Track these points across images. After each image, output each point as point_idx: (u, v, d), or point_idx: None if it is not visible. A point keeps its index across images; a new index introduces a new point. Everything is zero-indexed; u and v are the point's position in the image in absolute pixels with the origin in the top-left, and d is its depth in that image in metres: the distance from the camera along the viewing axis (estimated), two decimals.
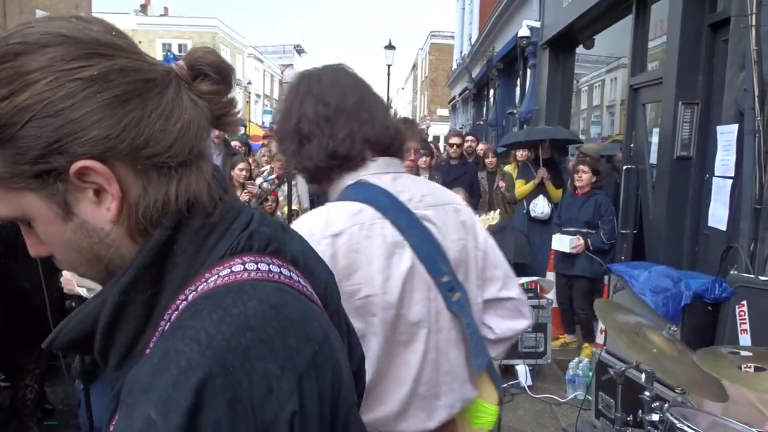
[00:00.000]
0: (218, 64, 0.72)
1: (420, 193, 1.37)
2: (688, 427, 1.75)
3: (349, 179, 1.36)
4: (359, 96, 1.34)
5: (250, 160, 6.46)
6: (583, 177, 5.18)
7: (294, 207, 6.01)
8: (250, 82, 35.52)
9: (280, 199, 5.82)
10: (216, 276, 0.66)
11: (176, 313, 0.65)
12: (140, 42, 22.15)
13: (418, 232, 1.31)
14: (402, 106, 50.95)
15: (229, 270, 0.66)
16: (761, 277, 3.23)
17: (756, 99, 3.61)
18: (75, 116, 0.61)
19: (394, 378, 1.30)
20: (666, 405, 2.00)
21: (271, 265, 0.69)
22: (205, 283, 0.65)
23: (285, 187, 5.01)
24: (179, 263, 0.68)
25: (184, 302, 0.65)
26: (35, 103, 0.60)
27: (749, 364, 1.46)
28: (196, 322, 0.59)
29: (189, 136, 0.67)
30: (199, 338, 0.58)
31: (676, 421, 1.79)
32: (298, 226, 1.29)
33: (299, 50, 48.21)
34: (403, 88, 57.38)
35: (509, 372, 4.66)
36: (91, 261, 0.69)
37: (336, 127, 1.32)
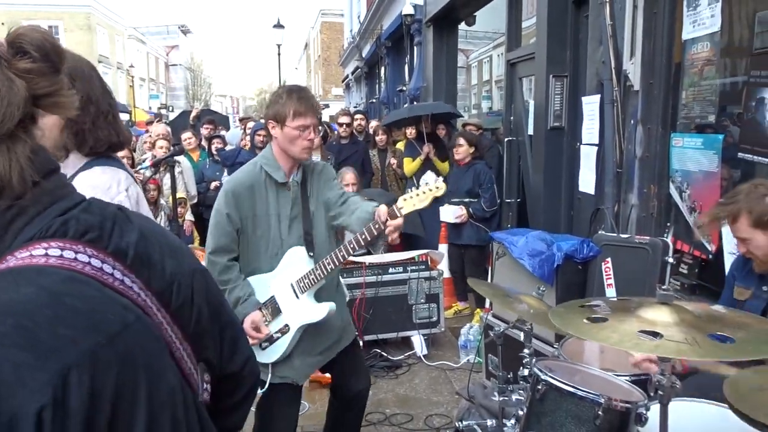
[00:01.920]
0: (41, 42, 0.70)
1: None
2: (551, 377, 1.89)
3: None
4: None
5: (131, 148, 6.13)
6: (460, 150, 5.40)
7: (181, 194, 5.79)
8: (132, 66, 33.51)
9: (165, 187, 5.57)
10: (13, 258, 0.65)
11: None
12: (2, 24, 20.21)
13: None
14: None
15: (27, 253, 0.66)
16: (623, 235, 3.51)
17: (613, 71, 3.89)
18: None
19: None
20: (534, 360, 2.14)
21: (79, 254, 0.68)
22: (4, 264, 0.65)
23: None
24: None
25: None
26: None
27: (595, 316, 1.59)
28: None
29: None
30: None
31: (540, 374, 1.92)
32: (90, 183, 1.57)
33: (185, 30, 45.98)
34: (296, 68, 56.45)
35: (405, 343, 4.80)
36: None
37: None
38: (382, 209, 2.27)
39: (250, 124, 8.15)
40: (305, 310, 2.47)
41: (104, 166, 1.68)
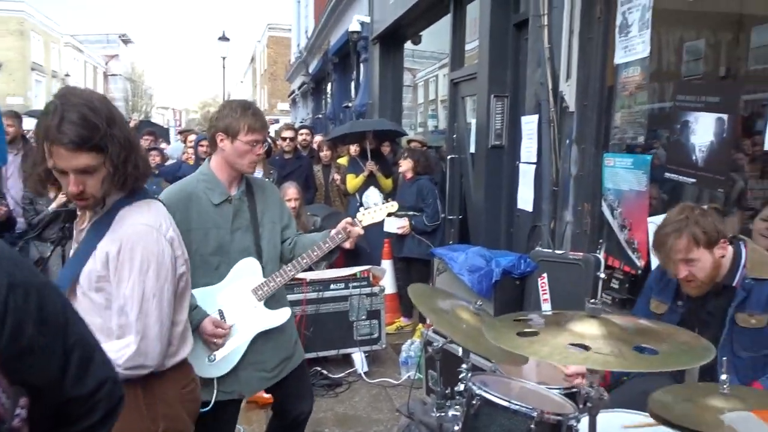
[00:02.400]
0: None
1: None
2: (485, 392, 1.90)
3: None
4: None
5: None
6: (403, 163, 5.51)
7: None
8: (67, 74, 32.36)
9: None
10: None
11: None
12: None
13: None
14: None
15: None
16: (558, 251, 3.60)
17: (550, 92, 4.01)
18: None
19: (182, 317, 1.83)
20: (470, 375, 2.15)
21: None
22: None
23: None
24: None
25: None
26: None
27: (528, 330, 1.61)
28: None
29: None
30: None
31: (475, 388, 1.93)
32: (138, 226, 1.67)
33: (125, 40, 44.81)
34: (242, 82, 55.89)
35: (346, 361, 4.75)
36: None
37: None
38: (347, 219, 2.58)
39: (192, 137, 7.97)
40: (263, 318, 2.48)
41: (141, 200, 1.74)
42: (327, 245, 2.52)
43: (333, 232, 2.56)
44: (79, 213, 1.80)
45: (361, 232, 2.58)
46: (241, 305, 2.46)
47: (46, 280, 0.92)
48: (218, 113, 2.49)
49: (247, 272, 2.48)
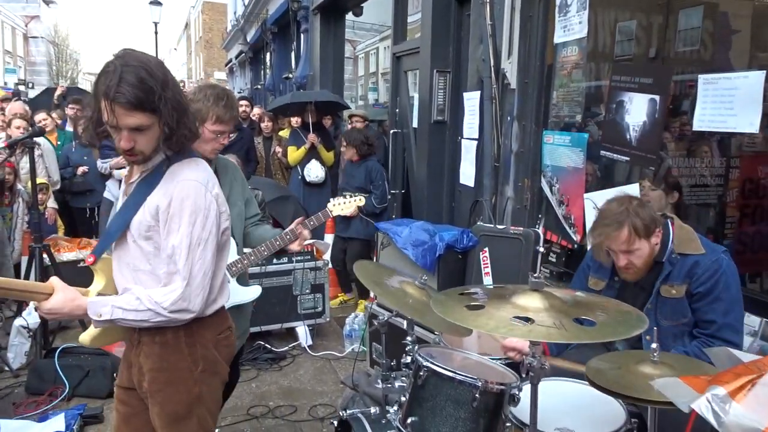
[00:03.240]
0: None
1: None
2: (432, 363, 1.95)
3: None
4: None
5: None
6: (347, 153, 5.50)
7: (42, 180, 5.31)
8: None
9: (22, 171, 5.09)
10: None
11: None
12: None
13: None
14: (176, 68, 47.67)
15: None
16: (499, 226, 3.71)
17: (492, 69, 4.07)
18: None
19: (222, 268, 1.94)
20: (416, 347, 2.20)
21: None
22: None
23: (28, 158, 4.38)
24: None
25: None
26: None
27: (473, 304, 1.67)
28: None
29: None
30: None
31: (422, 360, 1.98)
32: (193, 177, 1.77)
33: (47, 0, 42.05)
34: (176, 49, 53.66)
35: (290, 334, 4.76)
36: None
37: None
38: (298, 220, 2.75)
39: None
40: (236, 293, 2.59)
41: (189, 158, 1.83)
42: (278, 243, 2.68)
43: (283, 232, 2.71)
44: (126, 168, 2.02)
45: (308, 236, 2.75)
46: None
47: None
48: (193, 96, 2.50)
49: None
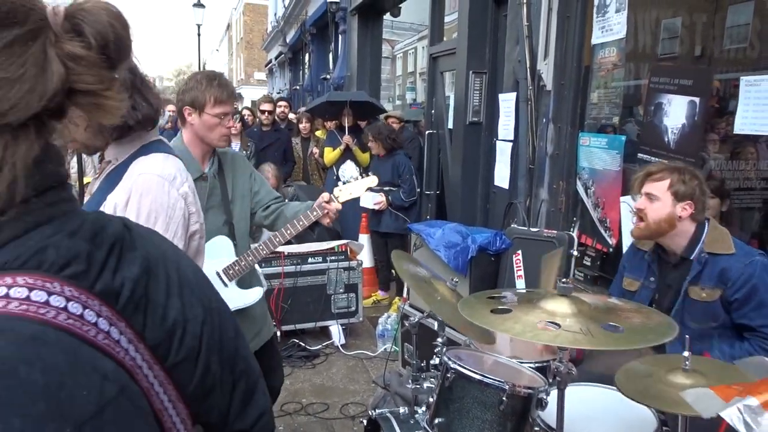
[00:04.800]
0: (104, 27, 0.55)
1: None
2: (460, 366, 1.96)
3: (148, 136, 1.68)
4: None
5: None
6: (372, 147, 5.61)
7: (89, 179, 5.50)
8: None
9: (72, 171, 5.26)
10: None
11: None
12: None
13: None
14: (218, 69, 48.57)
15: None
16: (533, 229, 3.68)
17: (528, 70, 4.04)
18: None
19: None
20: (444, 349, 2.22)
21: (53, 296, 0.52)
22: None
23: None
24: None
25: None
26: None
27: (501, 308, 1.67)
28: None
29: (7, 96, 0.50)
30: None
31: (449, 362, 1.99)
32: (155, 172, 1.58)
33: None
34: (217, 50, 54.75)
35: (323, 333, 4.82)
36: None
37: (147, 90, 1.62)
38: (324, 195, 2.49)
39: (170, 106, 7.84)
40: (235, 297, 2.46)
41: (162, 153, 1.67)
42: (301, 223, 2.46)
43: (310, 208, 2.49)
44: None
45: (339, 207, 2.50)
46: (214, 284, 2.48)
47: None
48: (184, 86, 2.41)
49: (220, 251, 2.45)
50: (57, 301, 0.52)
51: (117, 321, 0.56)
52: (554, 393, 1.81)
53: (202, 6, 18.84)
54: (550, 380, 1.82)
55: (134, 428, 0.55)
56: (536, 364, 2.32)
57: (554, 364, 1.68)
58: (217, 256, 2.44)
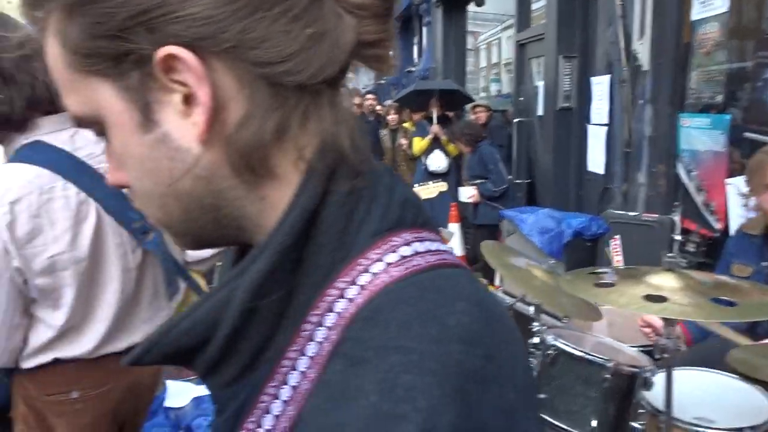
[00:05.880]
0: None
1: (100, 147, 1.38)
2: (562, 343, 1.99)
3: (23, 139, 1.37)
4: (17, 56, 1.31)
5: None
6: (461, 146, 5.69)
7: None
8: None
9: None
10: (381, 264, 0.48)
11: (332, 315, 0.48)
12: None
13: (103, 188, 1.37)
14: None
15: (397, 255, 0.49)
16: (631, 213, 3.59)
17: (622, 51, 3.94)
18: None
19: (93, 317, 1.45)
20: (545, 328, 2.24)
21: (435, 242, 0.52)
22: (368, 275, 0.48)
23: None
24: (325, 245, 0.50)
25: (343, 301, 0.48)
26: None
27: (604, 281, 1.69)
28: (411, 342, 0.43)
29: (320, 51, 0.49)
30: (429, 366, 0.41)
31: (550, 339, 2.02)
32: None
33: None
34: None
35: None
36: (167, 197, 0.52)
37: None
38: None
39: None
40: None
41: (12, 162, 1.38)
42: None
43: None
44: None
45: None
46: None
47: None
48: None
49: None
50: (441, 246, 0.53)
51: None
52: (660, 375, 1.80)
53: None
54: (657, 358, 1.81)
55: None
56: (640, 347, 2.29)
57: (661, 340, 1.67)
58: None
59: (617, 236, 3.54)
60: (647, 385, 1.94)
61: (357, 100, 7.05)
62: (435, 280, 0.48)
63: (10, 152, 1.39)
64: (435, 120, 6.25)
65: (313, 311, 0.48)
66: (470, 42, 11.04)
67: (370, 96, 7.72)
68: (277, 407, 0.49)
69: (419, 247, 0.50)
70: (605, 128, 4.40)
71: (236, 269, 0.50)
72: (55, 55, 0.50)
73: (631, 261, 3.47)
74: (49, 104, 1.35)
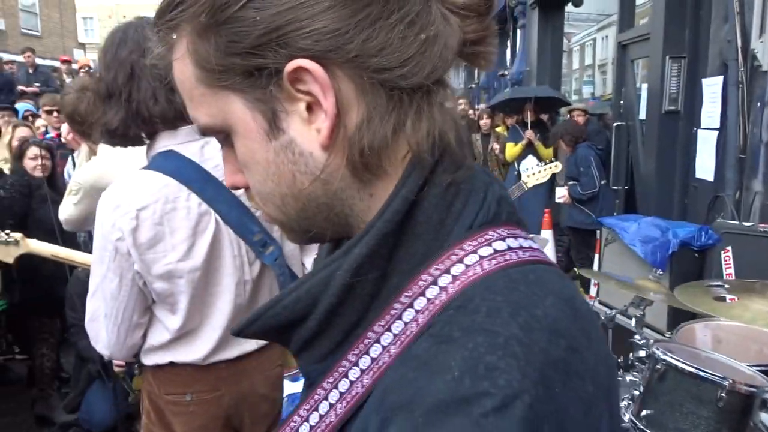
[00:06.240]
0: None
1: None
2: (672, 358, 1.88)
3: (161, 146, 1.45)
4: (130, 72, 1.38)
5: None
6: (562, 145, 5.63)
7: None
8: None
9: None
10: (475, 256, 0.51)
11: (422, 299, 0.50)
12: None
13: (226, 199, 1.42)
14: None
15: (491, 249, 0.51)
16: (745, 223, 3.35)
17: (739, 50, 3.68)
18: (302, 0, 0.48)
19: (207, 325, 1.50)
20: (652, 341, 2.14)
21: (528, 240, 0.55)
22: (461, 265, 0.51)
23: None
24: (422, 234, 0.53)
25: (434, 288, 0.50)
26: None
27: (723, 295, 1.58)
28: (498, 327, 0.45)
29: (432, 54, 0.51)
30: (513, 350, 0.44)
31: (660, 353, 1.92)
32: (105, 196, 1.39)
33: None
34: None
35: None
36: (287, 198, 0.55)
37: (111, 105, 1.41)
38: (514, 186, 2.79)
39: None
40: None
41: (147, 169, 1.46)
42: None
43: None
44: None
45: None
46: None
47: None
48: None
49: None
50: (533, 244, 0.55)
51: None
52: None
53: None
54: None
55: None
56: (757, 366, 2.14)
57: None
58: None
59: (728, 248, 3.31)
60: (767, 406, 1.81)
61: None
62: (527, 275, 0.50)
63: (149, 157, 1.48)
64: (529, 125, 6.13)
65: (405, 293, 0.51)
66: (564, 44, 10.72)
67: (462, 100, 7.68)
68: (354, 373, 0.52)
69: (513, 243, 0.52)
70: (716, 132, 4.13)
71: (339, 252, 0.53)
72: (185, 72, 0.54)
73: (744, 274, 3.23)
74: (171, 121, 1.43)
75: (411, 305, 0.51)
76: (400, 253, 0.53)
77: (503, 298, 0.48)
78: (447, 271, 0.51)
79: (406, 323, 0.50)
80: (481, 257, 0.51)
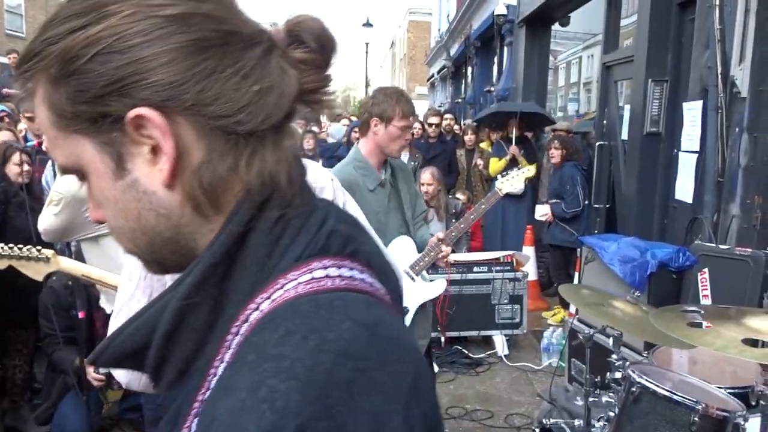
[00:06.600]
0: (319, 32, 0.63)
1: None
2: (647, 381, 1.90)
3: None
4: None
5: None
6: (554, 153, 5.53)
7: None
8: None
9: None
10: (294, 282, 0.55)
11: (246, 324, 0.55)
12: None
13: None
14: (382, 85, 50.49)
15: (309, 276, 0.55)
16: (722, 246, 3.41)
17: (719, 76, 3.76)
18: (143, 55, 0.54)
19: None
20: (627, 363, 2.16)
21: (353, 270, 0.58)
22: (281, 290, 0.55)
23: None
24: (250, 266, 0.57)
25: (256, 312, 0.55)
26: (107, 36, 0.54)
27: (698, 321, 1.61)
28: (288, 350, 0.49)
29: (267, 102, 0.58)
30: (296, 373, 0.47)
31: (635, 376, 1.94)
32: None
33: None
34: (381, 66, 57.08)
35: (486, 342, 4.84)
36: (136, 232, 0.60)
37: None
38: (438, 234, 2.67)
39: (344, 120, 8.43)
40: (423, 290, 2.67)
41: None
42: (483, 207, 2.85)
43: (426, 248, 2.68)
44: None
45: (499, 197, 2.88)
46: (404, 281, 2.64)
47: None
48: (373, 99, 2.59)
49: (403, 250, 2.64)
50: (357, 274, 0.58)
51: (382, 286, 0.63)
52: (754, 421, 1.70)
53: (371, 25, 19.84)
54: (753, 404, 1.70)
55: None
56: (730, 389, 2.17)
57: (759, 387, 1.57)
58: (401, 254, 2.61)
59: (705, 270, 3.36)
60: (739, 431, 1.83)
61: (435, 119, 7.08)
62: (333, 301, 0.54)
63: None
64: (513, 140, 6.18)
65: (234, 323, 0.55)
66: (549, 61, 10.86)
67: (448, 116, 7.74)
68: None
69: (333, 272, 0.56)
70: (695, 156, 4.21)
71: (173, 283, 0.58)
72: (41, 116, 0.59)
73: (720, 297, 3.28)
74: None
75: (238, 333, 0.55)
76: (230, 283, 0.57)
77: (301, 321, 0.51)
78: (269, 297, 0.55)
79: (234, 351, 0.54)
80: (299, 283, 0.55)
